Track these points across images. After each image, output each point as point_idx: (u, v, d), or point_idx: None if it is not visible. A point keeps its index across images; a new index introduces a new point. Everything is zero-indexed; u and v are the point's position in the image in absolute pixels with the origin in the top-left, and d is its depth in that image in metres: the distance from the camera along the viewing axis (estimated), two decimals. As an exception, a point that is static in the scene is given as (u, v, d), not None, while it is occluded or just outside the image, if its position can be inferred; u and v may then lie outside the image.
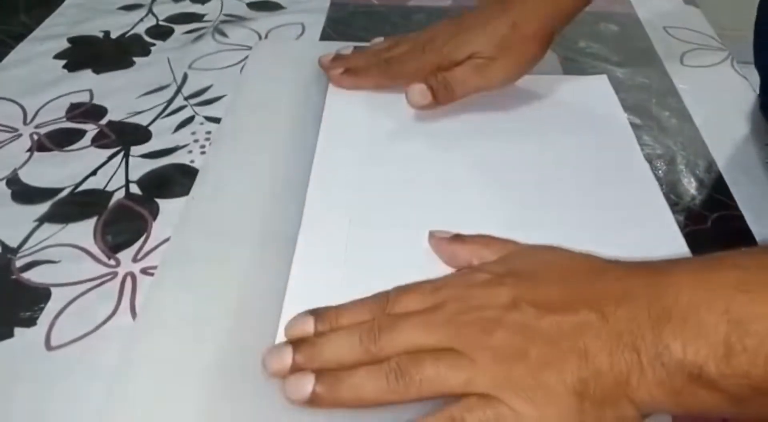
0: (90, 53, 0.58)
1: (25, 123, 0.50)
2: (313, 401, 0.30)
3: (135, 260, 0.39)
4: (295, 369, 0.31)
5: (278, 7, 0.66)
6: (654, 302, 0.28)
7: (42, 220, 0.42)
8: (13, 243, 0.40)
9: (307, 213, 0.41)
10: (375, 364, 0.30)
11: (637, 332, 0.27)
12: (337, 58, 0.53)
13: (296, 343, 0.32)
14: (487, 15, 0.47)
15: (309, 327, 0.32)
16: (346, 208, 0.41)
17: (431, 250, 0.37)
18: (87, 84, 0.54)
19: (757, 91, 0.54)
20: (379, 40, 0.54)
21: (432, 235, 0.38)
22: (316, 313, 0.33)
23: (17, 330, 0.35)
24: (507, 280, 0.31)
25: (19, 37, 0.60)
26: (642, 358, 0.27)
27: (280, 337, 0.33)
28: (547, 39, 0.47)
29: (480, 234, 0.37)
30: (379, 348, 0.30)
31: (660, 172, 0.46)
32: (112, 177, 0.45)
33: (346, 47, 0.54)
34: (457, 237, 0.37)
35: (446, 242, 0.37)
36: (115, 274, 0.38)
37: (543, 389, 0.28)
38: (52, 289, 0.37)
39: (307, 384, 0.30)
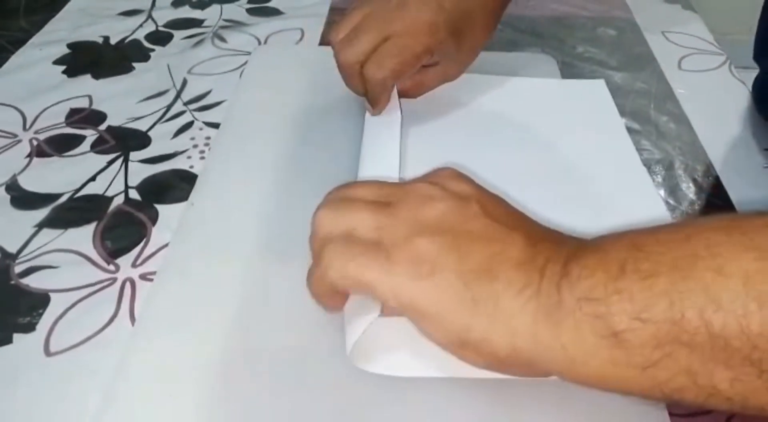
0: (89, 59, 0.59)
1: (24, 128, 0.50)
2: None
3: (134, 265, 0.39)
4: None
5: (277, 12, 0.66)
6: (580, 242, 0.29)
7: (41, 226, 0.42)
8: (12, 248, 0.40)
9: None
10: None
11: (551, 259, 0.28)
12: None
13: None
14: None
15: None
16: None
17: None
18: (86, 89, 0.54)
19: (750, 89, 0.54)
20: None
21: None
22: None
23: (16, 336, 0.35)
24: (473, 185, 0.32)
25: (19, 43, 0.60)
26: (543, 282, 0.27)
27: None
28: (495, 17, 0.48)
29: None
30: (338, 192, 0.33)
31: (658, 176, 0.46)
32: (111, 182, 0.45)
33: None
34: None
35: None
36: (114, 280, 0.38)
37: (433, 264, 0.28)
38: (51, 295, 0.37)
39: None
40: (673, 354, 0.24)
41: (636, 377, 0.25)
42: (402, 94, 0.48)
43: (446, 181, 0.32)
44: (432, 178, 0.33)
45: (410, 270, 0.28)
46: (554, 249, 0.28)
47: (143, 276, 0.38)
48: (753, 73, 0.57)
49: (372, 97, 0.45)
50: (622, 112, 0.51)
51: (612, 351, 0.25)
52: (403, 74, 0.45)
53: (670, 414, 0.32)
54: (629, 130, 0.49)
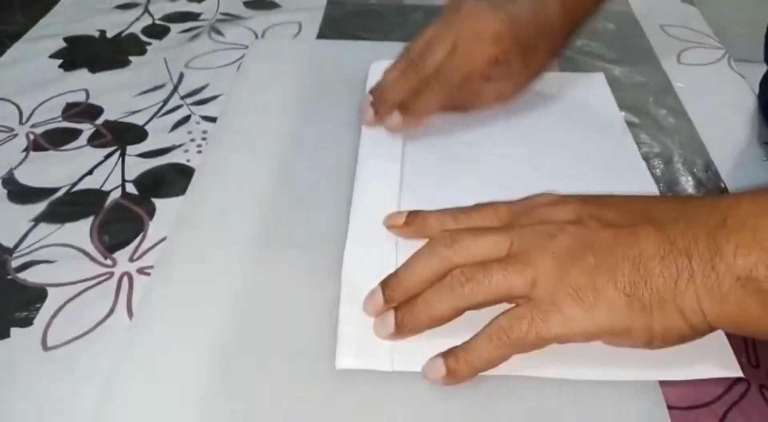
0: (86, 52, 0.58)
1: (20, 122, 0.50)
2: (398, 331, 0.33)
3: (131, 260, 0.39)
4: (387, 301, 0.33)
5: (275, 5, 0.66)
6: (711, 214, 0.30)
7: (38, 220, 0.41)
8: (9, 243, 0.40)
9: (353, 217, 0.40)
10: (441, 282, 0.32)
11: (692, 239, 0.29)
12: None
13: (383, 280, 0.34)
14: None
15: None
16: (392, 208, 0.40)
17: None
18: (83, 83, 0.54)
19: (756, 90, 0.54)
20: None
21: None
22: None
23: (13, 331, 0.35)
24: (573, 200, 0.34)
25: (15, 37, 0.60)
26: (693, 263, 0.29)
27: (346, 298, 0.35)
28: (567, 36, 0.47)
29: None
30: (453, 253, 0.33)
31: (657, 170, 0.46)
32: (108, 176, 0.45)
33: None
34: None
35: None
36: (112, 274, 0.38)
37: (594, 290, 0.30)
38: (49, 289, 0.37)
39: (390, 320, 0.33)
40: None
41: None
42: (452, 108, 0.47)
43: (550, 212, 0.34)
44: (536, 213, 0.34)
45: (579, 306, 0.30)
46: (690, 228, 0.30)
47: (140, 271, 0.38)
48: (752, 67, 0.56)
49: (418, 108, 0.45)
50: (621, 106, 0.51)
51: None
52: (465, 88, 0.45)
53: (669, 408, 0.31)
54: (628, 123, 0.49)
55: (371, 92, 0.47)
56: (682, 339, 0.30)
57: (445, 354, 0.31)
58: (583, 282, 0.30)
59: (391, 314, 0.33)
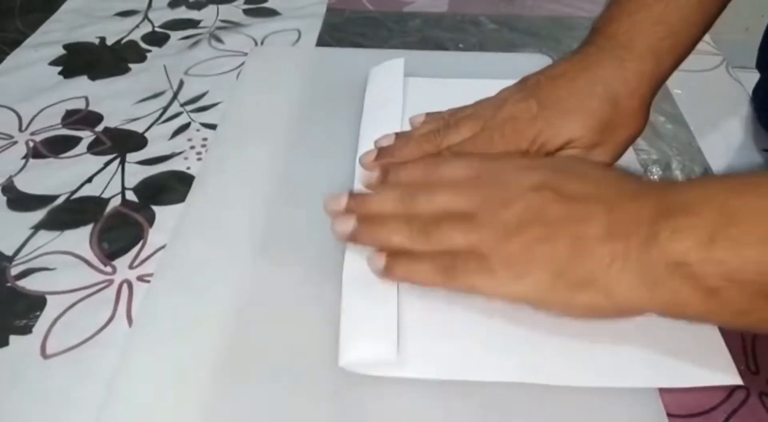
0: (86, 60, 0.58)
1: (20, 130, 0.50)
2: (354, 237, 0.35)
3: (131, 267, 0.39)
4: (347, 211, 0.36)
5: (274, 13, 0.66)
6: (662, 199, 0.30)
7: (38, 228, 0.42)
8: (8, 250, 0.40)
9: None
10: (405, 219, 0.35)
11: (636, 222, 0.29)
12: (382, 154, 0.41)
13: (351, 194, 0.37)
14: (579, 88, 0.38)
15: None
16: None
17: None
18: (83, 90, 0.54)
19: (751, 95, 0.55)
20: (420, 118, 0.43)
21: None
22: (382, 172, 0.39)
23: (12, 338, 0.35)
24: (542, 167, 0.35)
25: (15, 44, 0.60)
26: (630, 248, 0.29)
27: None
28: (649, 108, 0.39)
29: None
30: (414, 205, 0.35)
31: (655, 176, 0.46)
32: (108, 184, 0.45)
33: (385, 137, 0.42)
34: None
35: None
36: (111, 281, 0.38)
37: (526, 262, 0.31)
38: (48, 297, 0.37)
39: (349, 224, 0.35)
40: (762, 305, 0.27)
41: (729, 319, 0.29)
42: None
43: (517, 176, 0.34)
44: (504, 176, 0.35)
45: (508, 274, 0.31)
46: (636, 211, 0.30)
47: (140, 278, 0.38)
48: (750, 74, 0.57)
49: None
50: (620, 113, 0.51)
51: (706, 302, 0.28)
52: None
53: (669, 415, 0.32)
54: (626, 130, 0.49)
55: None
56: (605, 317, 0.32)
57: (392, 256, 0.34)
58: (518, 252, 0.31)
59: (353, 220, 0.35)
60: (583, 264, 0.30)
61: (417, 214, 0.35)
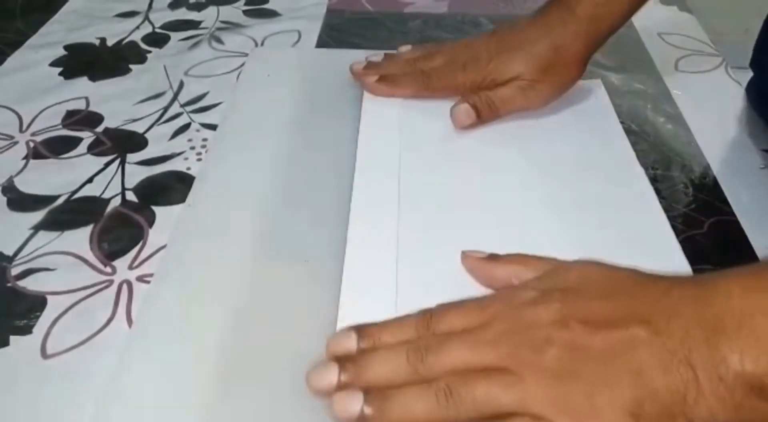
0: (86, 60, 0.58)
1: (21, 130, 0.50)
2: (367, 419, 0.29)
3: (131, 268, 0.39)
4: (341, 387, 0.30)
5: (274, 14, 0.66)
6: (705, 312, 0.27)
7: (38, 228, 0.42)
8: (8, 251, 0.40)
9: (352, 227, 0.40)
10: (424, 384, 0.29)
11: (691, 346, 0.27)
12: (370, 65, 0.52)
13: (341, 361, 0.31)
14: (530, 37, 0.49)
15: (352, 344, 0.31)
16: (391, 217, 0.40)
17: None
18: (83, 91, 0.54)
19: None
20: (407, 47, 0.54)
21: (466, 256, 0.37)
22: (359, 330, 0.32)
23: (13, 339, 0.35)
24: (553, 297, 0.31)
25: (15, 45, 0.60)
26: (698, 374, 0.26)
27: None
28: (585, 62, 0.50)
29: (516, 253, 0.36)
30: (426, 368, 0.29)
31: (656, 177, 0.46)
32: (108, 184, 0.45)
33: (375, 54, 0.53)
34: (493, 257, 0.36)
35: (482, 263, 0.36)
36: (111, 282, 0.38)
37: (596, 411, 0.27)
38: (48, 297, 0.37)
39: (355, 403, 0.29)
40: None
41: None
42: (480, 117, 0.48)
43: (533, 313, 0.30)
44: (518, 315, 0.30)
45: None
46: (685, 332, 0.27)
47: (140, 279, 0.38)
48: (749, 74, 0.57)
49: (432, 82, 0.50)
50: (619, 113, 0.51)
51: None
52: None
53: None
54: (626, 130, 0.49)
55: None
56: None
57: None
58: (579, 403, 0.27)
59: (359, 398, 0.29)
60: (657, 400, 0.27)
61: (432, 376, 0.29)
